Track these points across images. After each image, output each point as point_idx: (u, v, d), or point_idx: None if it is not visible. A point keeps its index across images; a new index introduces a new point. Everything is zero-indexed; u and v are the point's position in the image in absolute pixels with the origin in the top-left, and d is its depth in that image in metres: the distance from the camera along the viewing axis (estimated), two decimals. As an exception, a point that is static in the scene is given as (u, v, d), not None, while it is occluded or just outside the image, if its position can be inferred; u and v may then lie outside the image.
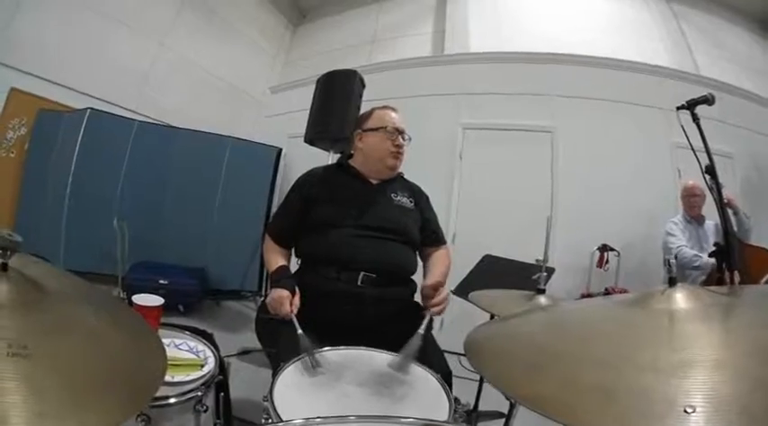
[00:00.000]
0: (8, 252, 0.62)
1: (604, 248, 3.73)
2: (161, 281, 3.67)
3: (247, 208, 4.52)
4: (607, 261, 3.74)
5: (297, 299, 1.37)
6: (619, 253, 3.73)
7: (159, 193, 4.31)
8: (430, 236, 1.72)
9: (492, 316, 2.67)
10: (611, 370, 0.55)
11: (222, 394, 1.10)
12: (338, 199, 1.58)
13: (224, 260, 4.43)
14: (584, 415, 0.50)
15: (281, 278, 1.47)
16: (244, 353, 3.08)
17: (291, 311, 1.31)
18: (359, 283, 1.48)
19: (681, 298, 0.61)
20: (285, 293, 1.36)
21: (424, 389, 1.03)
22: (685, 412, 0.44)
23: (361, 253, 1.49)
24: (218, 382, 1.08)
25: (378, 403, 0.95)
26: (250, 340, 3.16)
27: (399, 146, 1.65)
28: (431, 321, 1.31)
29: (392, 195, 1.66)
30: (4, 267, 0.63)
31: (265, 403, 0.88)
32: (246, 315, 4.25)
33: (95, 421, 0.51)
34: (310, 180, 1.69)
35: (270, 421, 0.84)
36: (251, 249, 4.42)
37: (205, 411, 0.98)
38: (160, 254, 4.14)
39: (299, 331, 1.20)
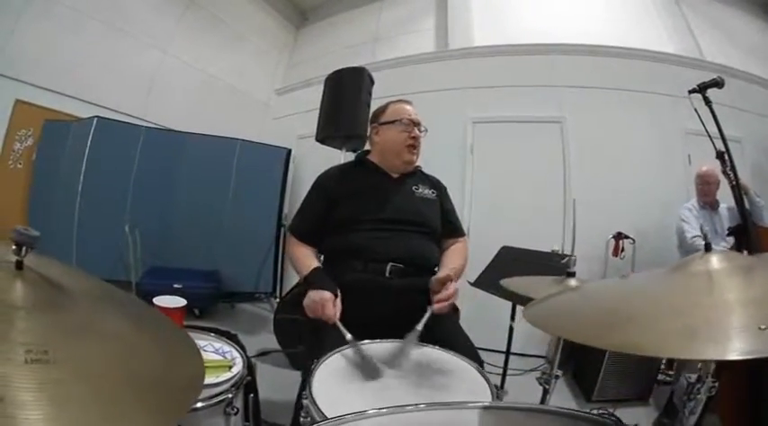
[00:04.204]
0: (24, 249, 0.57)
1: (619, 236, 3.70)
2: (175, 286, 3.62)
3: (259, 209, 4.50)
4: (623, 249, 3.71)
5: (339, 302, 1.33)
6: (634, 241, 3.70)
7: (170, 198, 4.30)
8: (449, 227, 1.71)
9: (513, 306, 2.67)
10: (686, 314, 0.59)
11: (252, 395, 1.05)
12: (360, 196, 1.58)
13: (237, 262, 4.41)
14: (673, 349, 0.57)
15: (318, 280, 1.43)
16: (262, 354, 3.04)
17: (335, 314, 1.28)
18: (387, 274, 1.47)
19: (716, 260, 0.67)
20: (327, 295, 1.32)
21: (463, 378, 1.02)
22: (760, 329, 0.51)
23: (387, 247, 1.49)
24: (247, 383, 1.03)
25: (419, 394, 0.92)
26: (267, 341, 3.15)
27: (416, 138, 1.64)
28: (431, 317, 1.26)
29: (413, 188, 1.66)
30: (20, 265, 0.57)
31: (305, 401, 0.84)
32: (262, 317, 4.23)
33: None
34: (330, 179, 1.67)
35: (309, 419, 0.80)
36: (264, 251, 4.41)
37: (236, 413, 0.94)
38: (173, 259, 4.13)
39: (348, 336, 1.17)
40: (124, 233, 3.54)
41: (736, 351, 0.50)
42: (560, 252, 3.32)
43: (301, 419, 0.84)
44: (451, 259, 1.62)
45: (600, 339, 0.63)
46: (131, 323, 0.66)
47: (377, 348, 1.13)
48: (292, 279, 4.11)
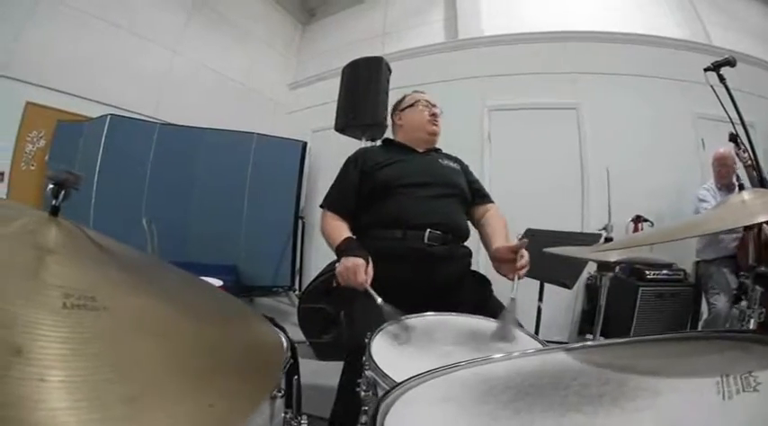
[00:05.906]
0: (62, 192, 0.48)
1: (638, 219, 3.76)
2: (194, 281, 3.58)
3: (276, 203, 4.47)
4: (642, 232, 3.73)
5: (370, 269, 1.31)
6: (652, 224, 3.75)
7: (186, 193, 4.26)
8: (478, 194, 1.76)
9: (541, 286, 2.60)
10: (734, 214, 0.95)
11: (296, 377, 0.97)
12: (392, 164, 1.64)
13: (255, 256, 4.37)
14: (733, 222, 1.14)
15: (350, 248, 1.41)
16: (287, 346, 2.98)
17: (366, 281, 1.26)
18: (426, 240, 1.47)
19: (747, 194, 0.99)
20: (360, 261, 1.30)
21: (520, 343, 1.02)
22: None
23: (424, 210, 1.50)
24: (290, 366, 0.95)
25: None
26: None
27: (435, 115, 1.76)
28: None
29: (439, 160, 1.75)
30: (55, 211, 0.49)
31: (367, 373, 0.79)
32: (281, 311, 4.22)
33: (223, 409, 0.36)
34: (362, 153, 1.73)
35: (371, 392, 0.76)
36: (282, 244, 4.37)
37: (282, 396, 0.85)
38: (190, 253, 4.08)
39: (379, 300, 1.16)
40: (141, 228, 3.49)
41: (762, 219, 0.94)
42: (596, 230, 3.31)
43: (362, 393, 0.79)
44: (499, 228, 1.62)
45: (690, 231, 1.01)
46: (185, 286, 0.58)
47: (421, 321, 1.11)
48: (312, 272, 4.07)
